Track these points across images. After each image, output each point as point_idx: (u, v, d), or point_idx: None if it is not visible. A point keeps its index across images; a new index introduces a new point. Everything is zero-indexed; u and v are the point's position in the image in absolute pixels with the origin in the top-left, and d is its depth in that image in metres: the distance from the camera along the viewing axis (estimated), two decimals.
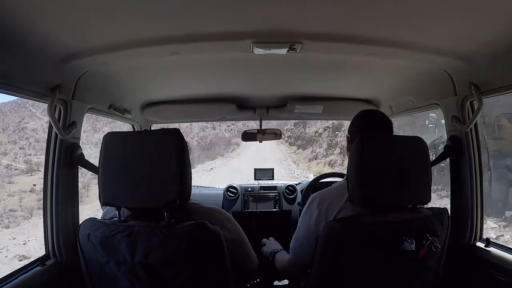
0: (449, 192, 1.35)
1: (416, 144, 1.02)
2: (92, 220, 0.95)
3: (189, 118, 2.33)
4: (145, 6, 0.79)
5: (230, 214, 1.06)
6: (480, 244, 1.23)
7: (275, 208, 2.19)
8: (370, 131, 0.99)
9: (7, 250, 8.86)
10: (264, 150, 24.34)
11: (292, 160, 22.17)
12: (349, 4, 0.80)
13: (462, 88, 1.19)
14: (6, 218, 12.96)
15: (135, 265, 0.87)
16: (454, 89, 1.22)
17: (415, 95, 1.47)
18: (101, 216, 1.08)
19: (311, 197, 1.08)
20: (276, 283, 1.98)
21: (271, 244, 1.44)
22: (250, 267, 1.10)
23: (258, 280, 1.82)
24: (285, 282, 1.87)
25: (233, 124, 36.69)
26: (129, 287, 0.90)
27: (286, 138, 29.49)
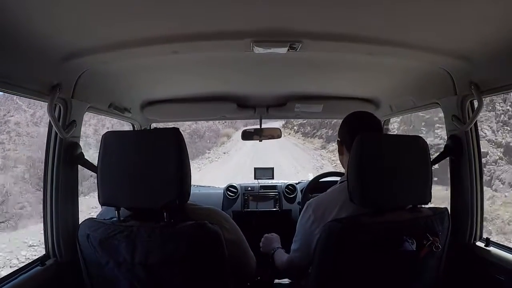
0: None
1: (416, 143, 1.02)
2: (91, 220, 0.94)
3: (189, 117, 2.33)
4: (145, 5, 0.79)
5: (227, 215, 1.06)
6: (480, 244, 1.23)
7: (275, 208, 2.19)
8: (359, 132, 0.98)
9: None
10: (270, 144, 14.41)
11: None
12: (349, 3, 0.80)
13: (462, 88, 1.19)
14: None
15: (135, 266, 0.87)
16: (454, 88, 1.21)
17: (415, 95, 1.47)
18: (96, 215, 1.07)
19: (307, 203, 1.09)
20: (276, 281, 1.99)
21: (269, 241, 1.45)
22: (248, 267, 1.10)
23: (258, 278, 1.82)
24: (286, 281, 1.88)
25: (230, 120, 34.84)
26: (129, 287, 0.90)
27: (295, 128, 22.64)
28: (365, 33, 0.96)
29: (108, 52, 1.02)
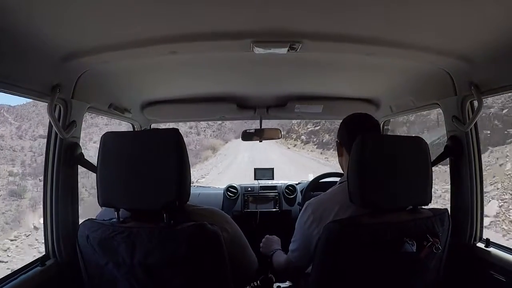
0: None
1: (416, 144, 1.01)
2: (91, 221, 0.94)
3: (189, 117, 2.33)
4: (145, 5, 0.79)
5: (229, 216, 1.05)
6: (480, 245, 1.22)
7: (275, 208, 2.19)
8: (358, 133, 0.99)
9: None
10: (278, 161, 12.79)
11: None
12: (349, 4, 0.80)
13: (462, 88, 1.19)
14: None
15: (134, 267, 0.87)
16: (454, 89, 1.21)
17: (415, 95, 1.47)
18: (95, 216, 1.07)
19: (306, 203, 1.09)
20: (277, 284, 1.98)
21: (269, 242, 1.45)
22: (249, 269, 1.09)
23: (258, 282, 1.82)
24: (286, 284, 1.87)
25: (219, 130, 32.66)
26: None
27: (303, 137, 17.35)
28: (365, 34, 0.96)
29: (108, 52, 1.02)
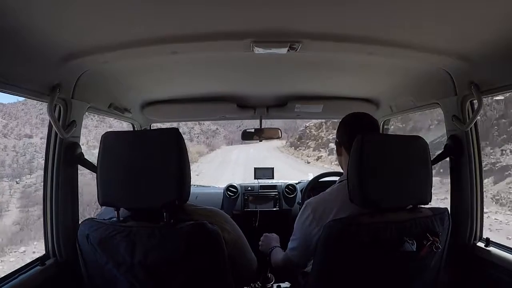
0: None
1: (416, 143, 1.01)
2: (91, 220, 0.94)
3: (189, 117, 2.33)
4: (145, 6, 0.79)
5: (229, 216, 1.05)
6: (480, 244, 1.23)
7: (275, 208, 2.19)
8: (357, 133, 0.99)
9: None
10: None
11: None
12: (349, 3, 0.80)
13: (462, 88, 1.19)
14: None
15: (134, 266, 0.87)
16: (454, 88, 1.22)
17: (415, 95, 1.47)
18: (95, 216, 1.07)
19: (306, 202, 1.09)
20: (276, 284, 1.98)
21: (268, 239, 1.46)
22: (249, 269, 1.09)
23: (259, 282, 1.83)
24: (286, 284, 1.87)
25: (213, 137, 32.35)
26: (128, 287, 0.90)
27: (331, 145, 12.31)
28: (365, 34, 0.96)
29: (108, 52, 1.02)
